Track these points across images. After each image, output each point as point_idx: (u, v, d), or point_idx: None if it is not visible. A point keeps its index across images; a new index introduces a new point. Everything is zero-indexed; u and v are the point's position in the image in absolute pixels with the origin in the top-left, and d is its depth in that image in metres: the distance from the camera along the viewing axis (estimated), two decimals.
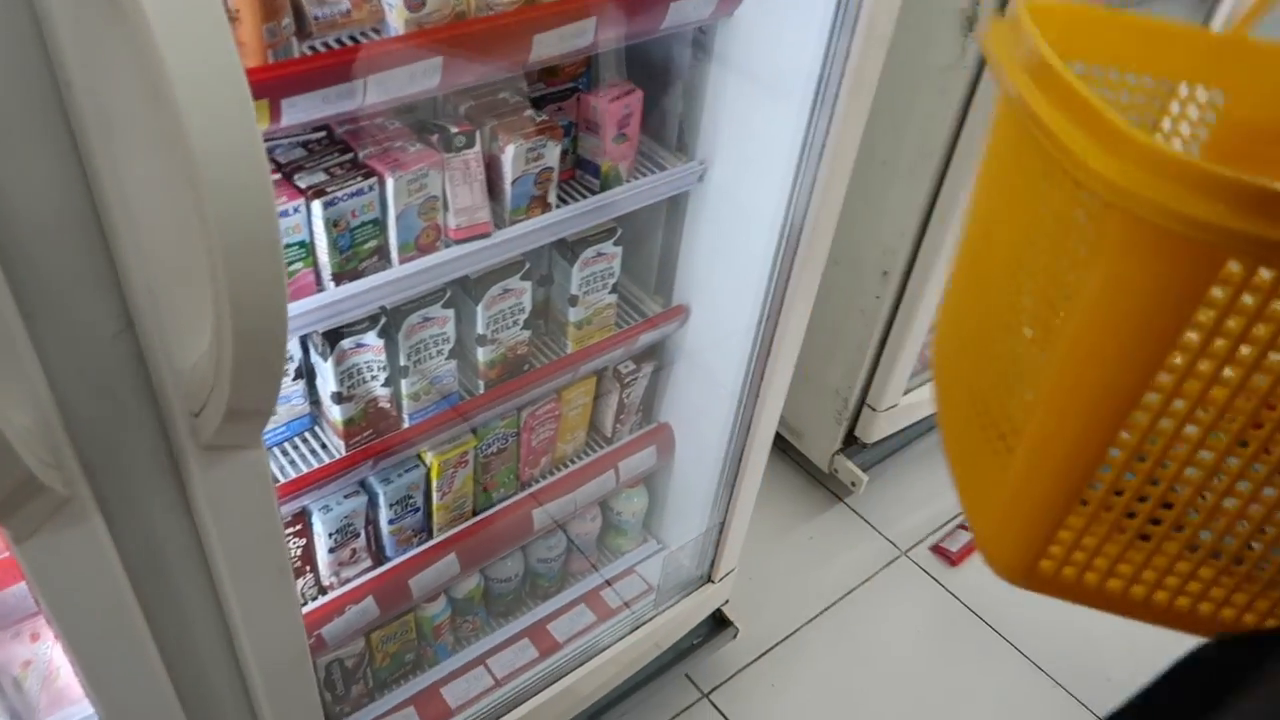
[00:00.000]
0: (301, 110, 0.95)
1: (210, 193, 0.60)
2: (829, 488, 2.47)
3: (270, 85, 0.90)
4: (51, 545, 0.79)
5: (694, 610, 1.87)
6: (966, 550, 2.33)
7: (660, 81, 1.44)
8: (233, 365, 0.73)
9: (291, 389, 1.29)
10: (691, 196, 1.50)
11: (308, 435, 1.34)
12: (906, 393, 2.27)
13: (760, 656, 2.09)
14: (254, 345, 0.72)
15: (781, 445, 2.52)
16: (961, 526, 2.39)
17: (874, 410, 2.24)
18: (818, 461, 2.40)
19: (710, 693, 2.01)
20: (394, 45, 0.97)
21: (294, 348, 1.25)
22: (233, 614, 1.02)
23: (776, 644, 2.12)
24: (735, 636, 1.98)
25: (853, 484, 2.33)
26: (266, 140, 1.14)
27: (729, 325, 1.53)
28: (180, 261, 0.70)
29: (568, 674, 1.69)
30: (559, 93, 1.32)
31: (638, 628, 1.77)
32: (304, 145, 1.15)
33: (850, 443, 2.35)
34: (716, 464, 1.70)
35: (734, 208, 1.45)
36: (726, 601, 1.95)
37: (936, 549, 2.35)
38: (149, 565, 0.93)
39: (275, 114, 0.93)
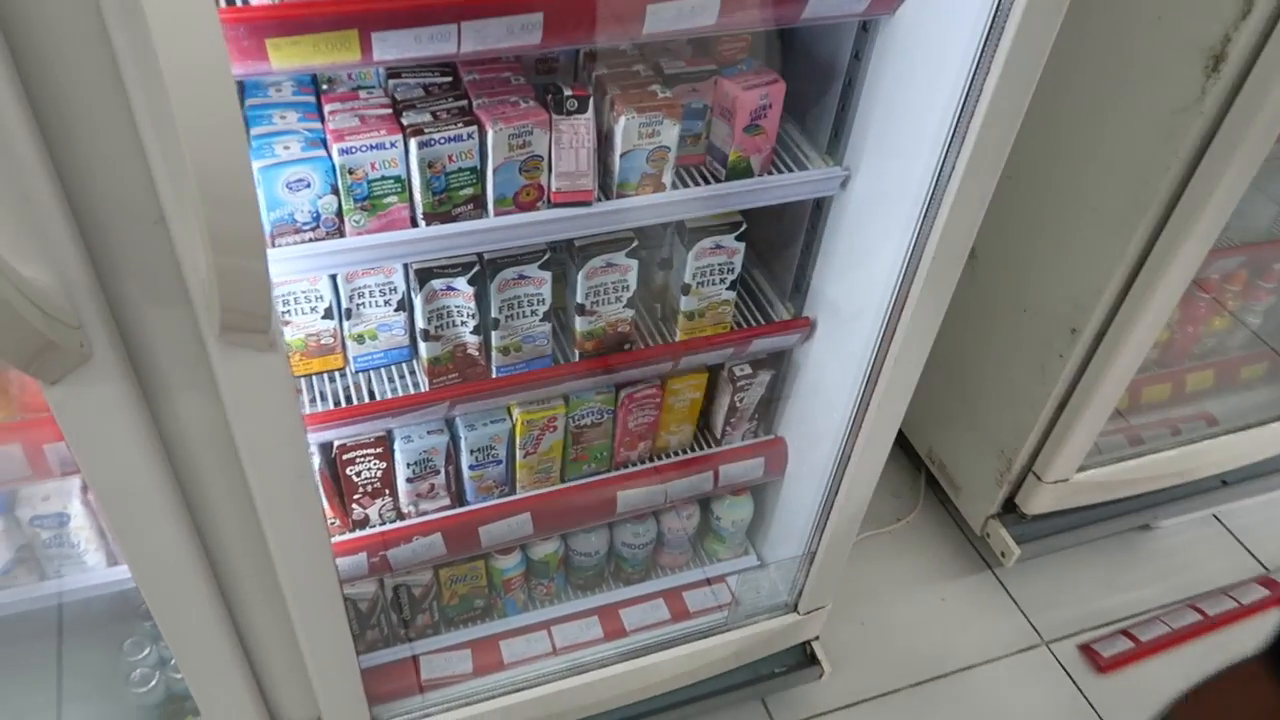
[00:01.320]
0: (393, 46, 0.98)
1: (182, 118, 0.65)
2: (978, 551, 2.26)
3: (358, 17, 0.94)
4: (76, 396, 0.88)
5: (777, 636, 1.77)
6: (1121, 660, 2.04)
7: (820, 77, 1.36)
8: (216, 274, 0.77)
9: (394, 319, 1.36)
10: (834, 204, 1.41)
11: (404, 367, 1.41)
12: (1082, 470, 2.02)
13: (849, 706, 1.96)
14: (230, 255, 0.76)
15: (940, 496, 2.34)
16: (1124, 633, 2.10)
17: (1039, 480, 2.02)
18: (971, 521, 2.19)
19: None
20: None
21: (398, 280, 1.32)
22: (257, 506, 1.09)
23: (871, 698, 1.97)
24: (820, 677, 1.86)
25: (1003, 554, 2.11)
26: (390, 78, 1.20)
27: (847, 347, 1.43)
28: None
29: (641, 656, 1.66)
30: (697, 74, 1.28)
31: (718, 633, 1.71)
32: (425, 87, 1.20)
33: (1010, 509, 2.13)
34: (820, 492, 1.60)
35: (869, 221, 1.34)
36: (816, 638, 1.84)
37: (1086, 649, 2.09)
38: (181, 439, 1.01)
39: (366, 46, 0.97)
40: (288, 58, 0.96)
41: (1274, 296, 2.31)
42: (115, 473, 0.96)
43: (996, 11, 1.02)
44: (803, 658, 1.88)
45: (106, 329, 0.87)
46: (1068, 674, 2.05)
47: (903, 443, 2.41)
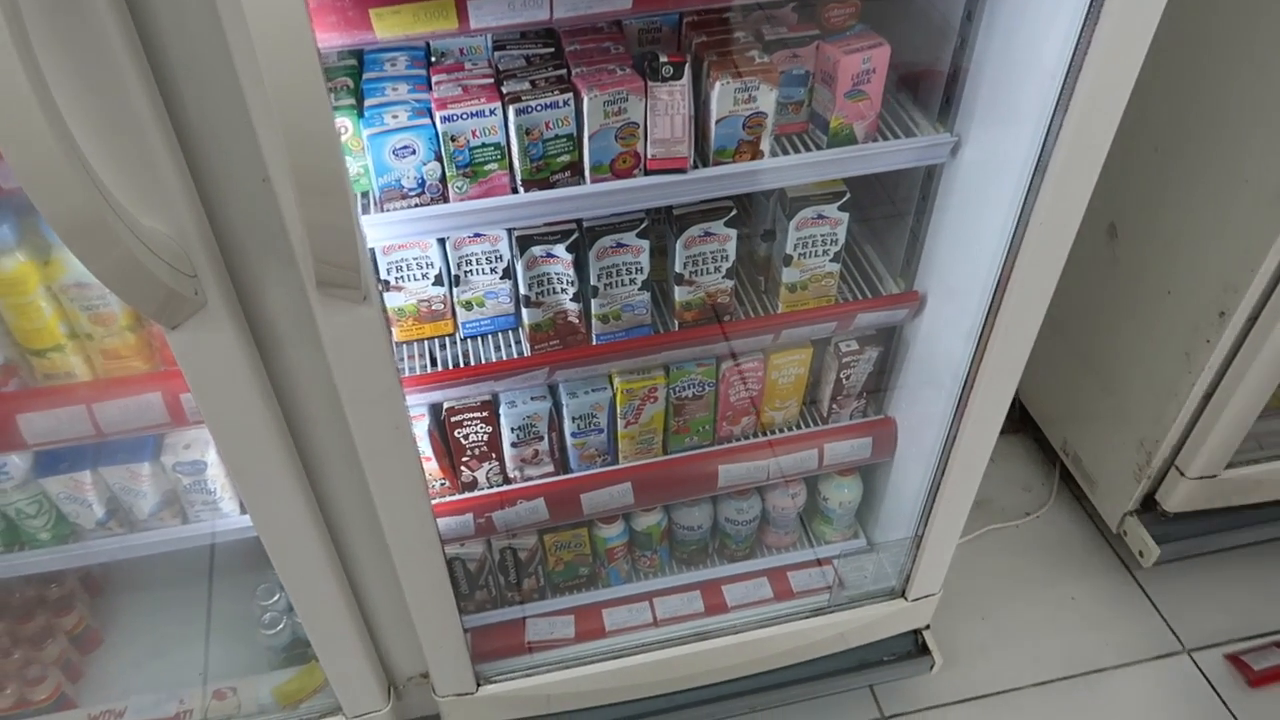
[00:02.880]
0: (489, 14, 1.02)
1: (270, 82, 0.71)
2: (1114, 550, 2.13)
3: None
4: (194, 341, 0.97)
5: (885, 621, 1.73)
6: (1276, 674, 1.88)
7: (932, 41, 1.32)
8: (306, 229, 0.83)
9: (500, 286, 1.40)
10: (944, 173, 1.36)
11: (510, 334, 1.46)
12: (1230, 466, 1.87)
13: (962, 701, 1.88)
14: (318, 211, 0.81)
15: (1074, 491, 2.22)
16: (1278, 644, 1.93)
17: (1182, 475, 1.88)
18: (1107, 518, 2.07)
19: (890, 718, 1.86)
20: None
21: (503, 248, 1.36)
22: (360, 454, 1.16)
23: (987, 694, 1.90)
24: (932, 669, 1.80)
25: (1140, 554, 1.98)
26: (496, 49, 1.24)
27: (956, 325, 1.38)
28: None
29: (742, 631, 1.66)
30: (798, 39, 1.26)
31: (823, 614, 1.69)
32: (528, 58, 1.24)
33: (1149, 507, 1.99)
34: (928, 474, 1.55)
35: (979, 191, 1.29)
36: (927, 626, 1.78)
37: (1234, 659, 1.93)
38: (290, 386, 1.09)
39: (462, 16, 1.01)
40: (390, 26, 1.01)
41: None
42: (230, 413, 1.04)
43: None
44: (913, 647, 1.82)
45: (219, 279, 0.95)
46: (1211, 686, 1.90)
47: (1036, 434, 2.29)
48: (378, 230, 1.18)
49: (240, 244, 0.95)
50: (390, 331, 1.40)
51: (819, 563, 1.79)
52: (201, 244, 0.91)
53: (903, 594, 1.69)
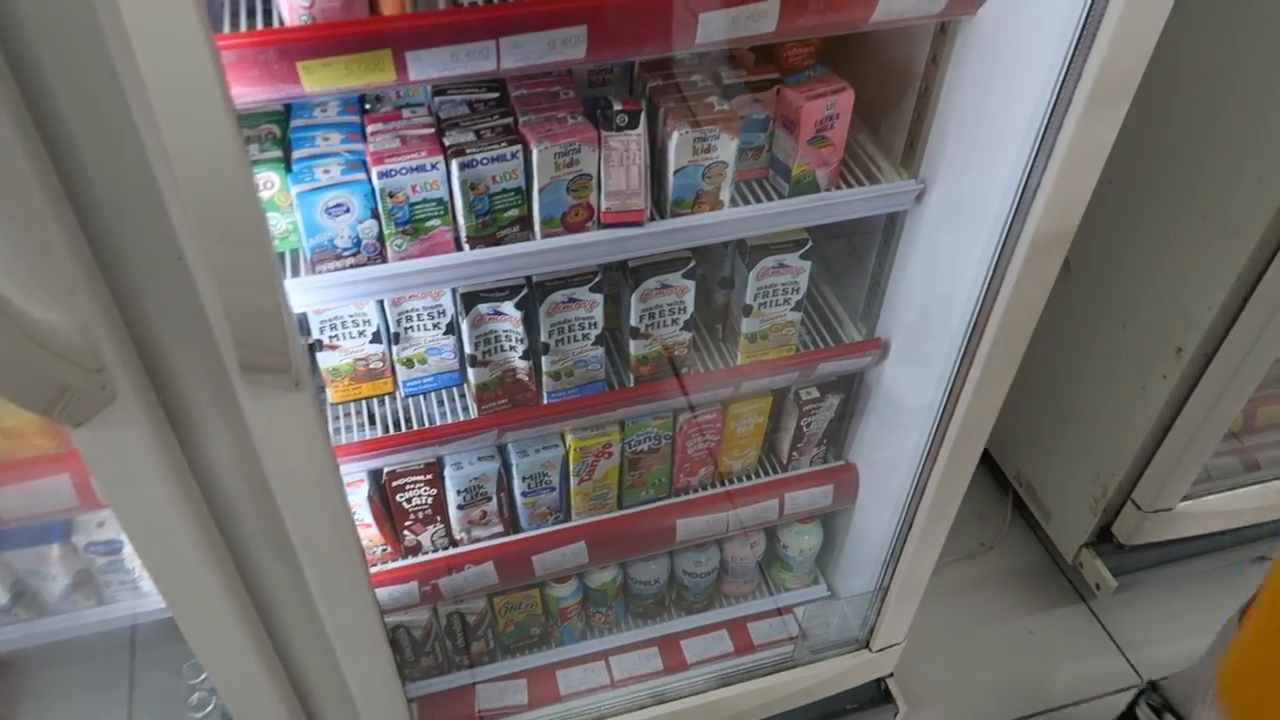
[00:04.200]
0: (429, 66, 0.93)
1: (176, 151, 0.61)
2: (1070, 581, 2.12)
3: (391, 36, 0.89)
4: (101, 439, 0.86)
5: (849, 673, 1.68)
6: None
7: (894, 84, 1.27)
8: (225, 310, 0.73)
9: (443, 342, 1.31)
10: (908, 219, 1.31)
11: (454, 391, 1.37)
12: (1187, 499, 1.86)
13: None
14: (238, 291, 0.72)
15: (1028, 521, 2.20)
16: None
17: (1139, 509, 1.87)
18: (1062, 549, 2.05)
19: None
20: (527, 9, 0.92)
21: (447, 303, 1.27)
22: (294, 544, 1.06)
23: None
24: (896, 717, 1.76)
25: (1097, 586, 1.96)
26: (436, 95, 1.15)
27: (923, 370, 1.33)
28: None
29: (707, 691, 1.60)
30: (759, 83, 1.20)
31: (785, 669, 1.63)
32: (471, 104, 1.15)
33: (1105, 538, 1.98)
34: (894, 523, 1.50)
35: (948, 236, 1.24)
36: (891, 675, 1.73)
37: None
38: (213, 478, 0.98)
39: (401, 68, 0.92)
40: (320, 80, 0.91)
41: None
42: (145, 513, 0.93)
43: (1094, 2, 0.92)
44: (877, 694, 1.78)
45: (130, 370, 0.84)
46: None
47: (989, 463, 2.27)
48: (309, 295, 1.08)
49: (154, 331, 0.85)
50: (325, 418, 1.30)
51: (779, 612, 1.73)
52: (109, 334, 0.80)
53: (867, 644, 1.64)
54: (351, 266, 1.10)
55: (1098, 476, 1.90)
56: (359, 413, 1.35)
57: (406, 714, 1.41)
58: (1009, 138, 1.07)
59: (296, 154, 1.09)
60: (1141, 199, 1.68)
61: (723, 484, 1.57)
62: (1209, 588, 2.08)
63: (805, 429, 1.53)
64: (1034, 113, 1.02)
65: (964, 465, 1.35)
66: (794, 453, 1.57)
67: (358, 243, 1.09)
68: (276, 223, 1.11)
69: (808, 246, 1.31)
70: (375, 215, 1.08)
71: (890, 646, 1.64)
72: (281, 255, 1.13)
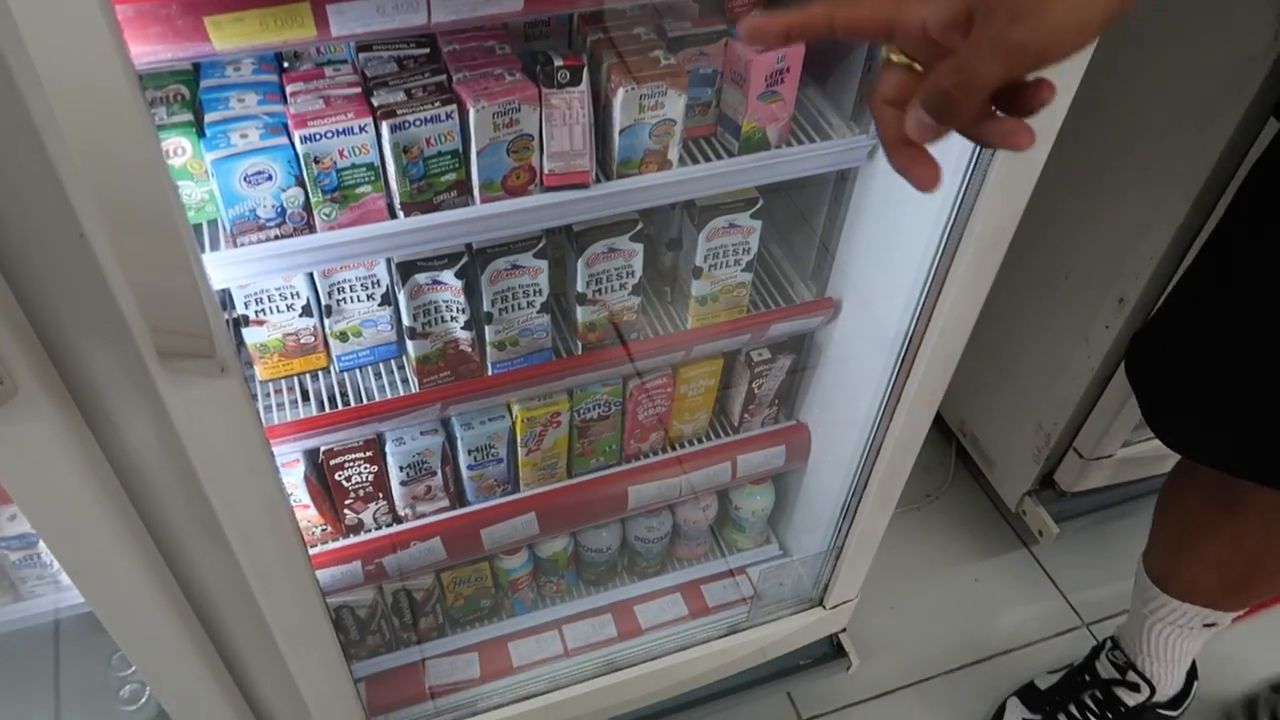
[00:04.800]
0: (353, 20, 0.86)
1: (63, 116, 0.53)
2: (1014, 529, 2.15)
3: None
4: (4, 436, 0.78)
5: (803, 631, 1.68)
6: None
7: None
8: (135, 294, 0.66)
9: (378, 314, 1.24)
10: (860, 176, 1.28)
11: (393, 364, 1.30)
12: (1126, 445, 1.89)
13: (877, 697, 1.87)
14: (146, 272, 0.65)
15: (972, 470, 2.22)
16: None
17: (1080, 456, 1.89)
18: (1006, 498, 2.08)
19: None
20: None
21: (381, 273, 1.20)
22: (227, 535, 0.99)
23: (900, 688, 1.89)
24: (849, 670, 1.77)
25: (1040, 533, 2.00)
26: (360, 51, 1.07)
27: (879, 329, 1.30)
28: None
29: (662, 657, 1.58)
30: (705, 35, 1.14)
31: (740, 631, 1.62)
32: (399, 61, 1.07)
33: (1047, 486, 2.01)
34: (847, 481, 1.48)
35: (901, 193, 1.21)
36: (844, 630, 1.74)
37: None
38: (135, 470, 0.91)
39: (321, 22, 0.84)
40: (231, 37, 0.83)
41: None
42: (57, 512, 0.86)
43: None
44: (829, 649, 1.78)
45: (31, 359, 0.76)
46: None
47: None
48: (231, 270, 1.01)
49: (58, 317, 0.77)
50: (255, 401, 1.23)
51: (733, 573, 1.72)
52: (5, 323, 0.72)
53: (821, 602, 1.64)
54: (277, 238, 1.02)
55: (1040, 426, 1.92)
56: (291, 389, 1.28)
57: (355, 696, 1.36)
58: None
59: (210, 117, 1.00)
60: (1084, 150, 1.67)
61: (674, 449, 1.54)
62: (1146, 530, 2.13)
63: (757, 390, 1.50)
64: None
65: (919, 423, 1.34)
66: (745, 414, 1.54)
67: (282, 212, 1.01)
68: (191, 193, 1.02)
69: (758, 205, 1.26)
70: (300, 183, 1.00)
71: (844, 603, 1.65)
72: (199, 227, 1.05)
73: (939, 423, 2.27)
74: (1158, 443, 1.94)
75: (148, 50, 0.82)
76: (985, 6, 0.54)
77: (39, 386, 0.77)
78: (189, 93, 1.04)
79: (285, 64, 1.08)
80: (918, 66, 0.62)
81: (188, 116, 1.01)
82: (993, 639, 1.97)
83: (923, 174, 0.63)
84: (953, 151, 1.06)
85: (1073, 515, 2.00)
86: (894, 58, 0.63)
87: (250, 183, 0.98)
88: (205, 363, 0.80)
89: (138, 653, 1.08)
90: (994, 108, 0.60)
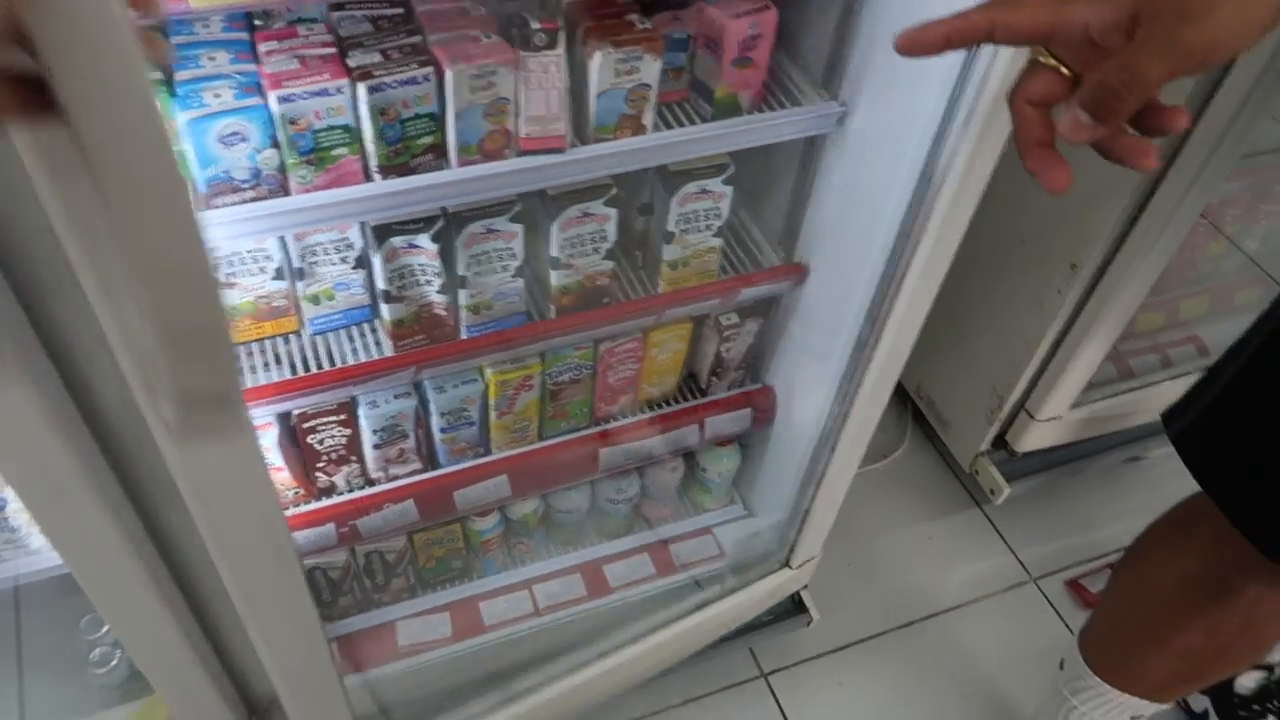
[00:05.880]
0: None
1: None
2: (967, 489, 2.22)
3: None
4: None
5: (767, 595, 1.72)
6: None
7: (815, 2, 1.23)
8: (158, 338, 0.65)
9: (351, 277, 1.24)
10: (829, 143, 1.30)
11: (365, 327, 1.30)
12: (1075, 406, 1.96)
13: (835, 650, 1.93)
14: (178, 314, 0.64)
15: (927, 432, 2.28)
16: (1110, 567, 2.08)
17: (1031, 417, 1.96)
18: (959, 458, 2.14)
19: (770, 674, 1.88)
20: None
21: (354, 236, 1.20)
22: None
23: (857, 641, 1.95)
24: (809, 625, 1.83)
25: (992, 492, 2.07)
26: (333, 9, 1.06)
27: (845, 294, 1.33)
28: None
29: (645, 637, 1.58)
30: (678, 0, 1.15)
31: (712, 604, 1.64)
32: (374, 20, 1.06)
33: (1000, 447, 2.07)
34: (812, 443, 1.52)
35: (870, 160, 1.23)
36: (805, 586, 1.79)
37: (1073, 584, 2.07)
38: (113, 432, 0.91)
39: None
40: None
41: (1273, 220, 2.24)
42: (30, 469, 0.85)
43: None
44: (791, 605, 1.83)
45: (12, 326, 0.76)
46: (1056, 611, 2.03)
47: None
48: (210, 232, 0.99)
49: (42, 280, 0.76)
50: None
51: (699, 533, 1.75)
52: None
53: (787, 562, 1.68)
54: (251, 200, 1.02)
55: (994, 388, 1.98)
56: (263, 353, 1.27)
57: (330, 667, 1.38)
58: (935, 60, 1.05)
59: (181, 75, 0.99)
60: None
61: (643, 411, 1.56)
62: (1091, 487, 2.22)
63: (725, 354, 1.53)
64: None
65: (884, 386, 1.38)
66: (713, 378, 1.57)
67: (257, 174, 1.01)
68: None
69: (730, 171, 1.28)
70: (276, 144, 0.99)
71: (808, 561, 1.69)
72: None
73: (897, 386, 2.32)
74: (1107, 403, 2.03)
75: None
76: (1152, 7, 0.55)
77: (18, 350, 0.77)
78: None
79: (256, 22, 1.06)
80: (1065, 70, 0.63)
81: (156, 75, 0.99)
82: (945, 595, 2.04)
83: (1056, 176, 0.65)
84: (920, 117, 1.08)
85: (1023, 475, 2.07)
86: (1042, 59, 0.65)
87: (226, 144, 0.97)
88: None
89: (112, 611, 1.08)
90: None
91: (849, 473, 1.52)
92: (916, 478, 2.24)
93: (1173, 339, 2.24)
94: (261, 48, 1.02)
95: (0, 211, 0.70)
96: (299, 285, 1.22)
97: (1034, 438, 1.98)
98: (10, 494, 1.18)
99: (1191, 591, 1.26)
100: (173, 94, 0.98)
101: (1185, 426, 1.20)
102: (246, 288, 1.20)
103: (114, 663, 1.44)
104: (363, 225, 1.17)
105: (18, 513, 1.22)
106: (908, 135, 1.12)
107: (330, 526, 1.37)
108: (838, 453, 1.44)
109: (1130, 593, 1.40)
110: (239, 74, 1.00)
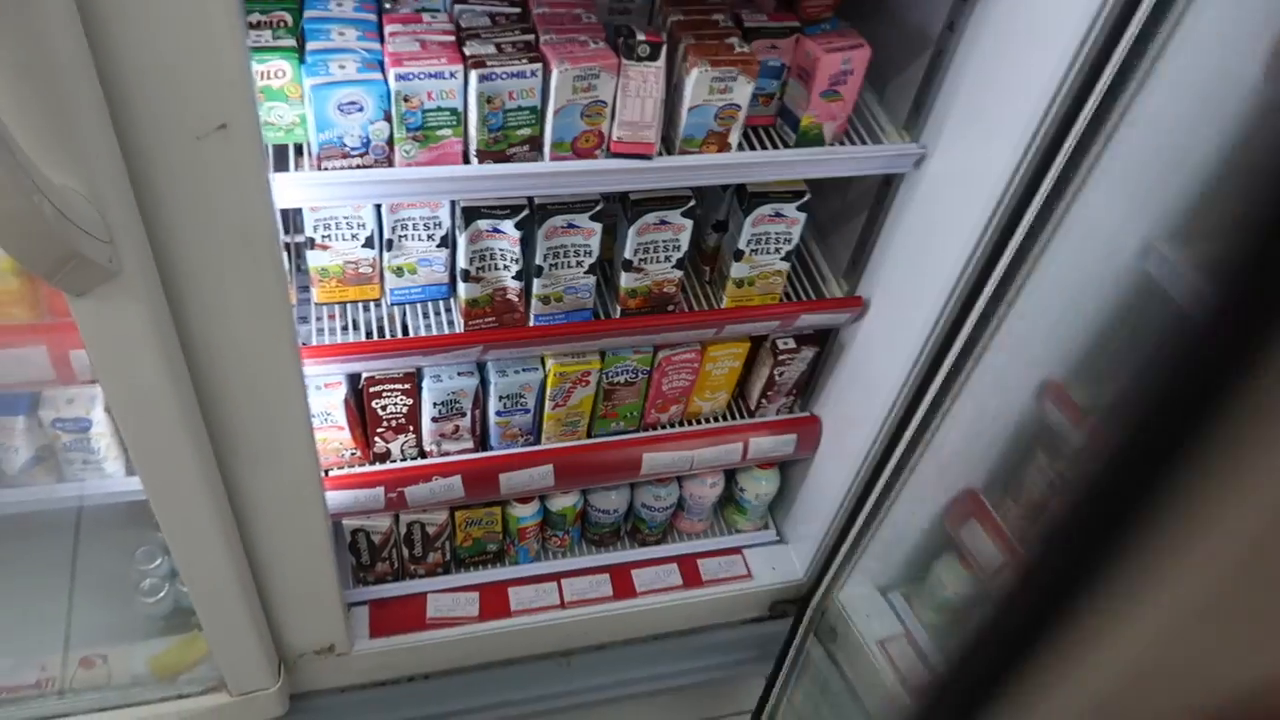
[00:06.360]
0: None
1: None
2: None
3: None
4: (101, 311, 0.85)
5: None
6: None
7: (907, 46, 1.28)
8: None
9: (436, 254, 1.31)
10: (905, 182, 1.34)
11: (440, 305, 1.37)
12: None
13: None
14: None
15: None
16: None
17: None
18: None
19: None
20: None
21: (444, 215, 1.27)
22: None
23: None
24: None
25: None
26: (456, 2, 1.14)
27: (900, 333, 1.37)
28: None
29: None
30: (778, 29, 1.21)
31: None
32: (492, 16, 1.13)
33: None
34: (851, 475, 1.55)
35: (942, 205, 1.27)
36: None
37: None
38: (199, 351, 0.98)
39: None
40: None
41: None
42: (134, 388, 0.93)
43: None
44: None
45: (137, 247, 0.83)
46: None
47: None
48: (310, 191, 1.07)
49: (164, 213, 0.84)
50: (308, 323, 1.30)
51: (730, 551, 1.78)
52: (122, 208, 0.79)
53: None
54: (358, 167, 1.09)
55: None
56: (342, 315, 1.35)
57: (342, 620, 1.44)
58: (1017, 111, 1.09)
59: (311, 45, 1.07)
60: None
61: (692, 423, 1.60)
62: None
63: (778, 378, 1.56)
64: (1045, 90, 1.04)
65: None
66: (763, 400, 1.61)
67: (367, 143, 1.08)
68: (283, 114, 1.09)
69: (806, 198, 1.33)
70: (388, 118, 1.07)
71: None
72: (283, 148, 1.11)
73: None
74: None
75: None
76: None
77: (139, 271, 0.84)
78: (291, 20, 1.11)
79: (386, 5, 1.14)
80: None
81: (290, 42, 1.07)
82: None
83: None
84: (997, 165, 1.12)
85: None
86: None
87: (343, 112, 1.04)
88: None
89: (177, 538, 1.15)
90: None
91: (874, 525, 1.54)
92: None
93: None
94: (388, 29, 1.10)
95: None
96: (386, 255, 1.29)
97: None
98: (96, 416, 1.26)
99: None
100: (302, 61, 1.06)
101: None
102: (338, 251, 1.27)
103: (162, 594, 1.51)
104: (453, 206, 1.24)
105: (100, 436, 1.29)
106: (981, 184, 1.15)
107: (379, 490, 1.43)
108: (878, 483, 1.47)
109: None
110: (365, 50, 1.08)
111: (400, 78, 1.04)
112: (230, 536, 1.20)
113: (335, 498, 1.41)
